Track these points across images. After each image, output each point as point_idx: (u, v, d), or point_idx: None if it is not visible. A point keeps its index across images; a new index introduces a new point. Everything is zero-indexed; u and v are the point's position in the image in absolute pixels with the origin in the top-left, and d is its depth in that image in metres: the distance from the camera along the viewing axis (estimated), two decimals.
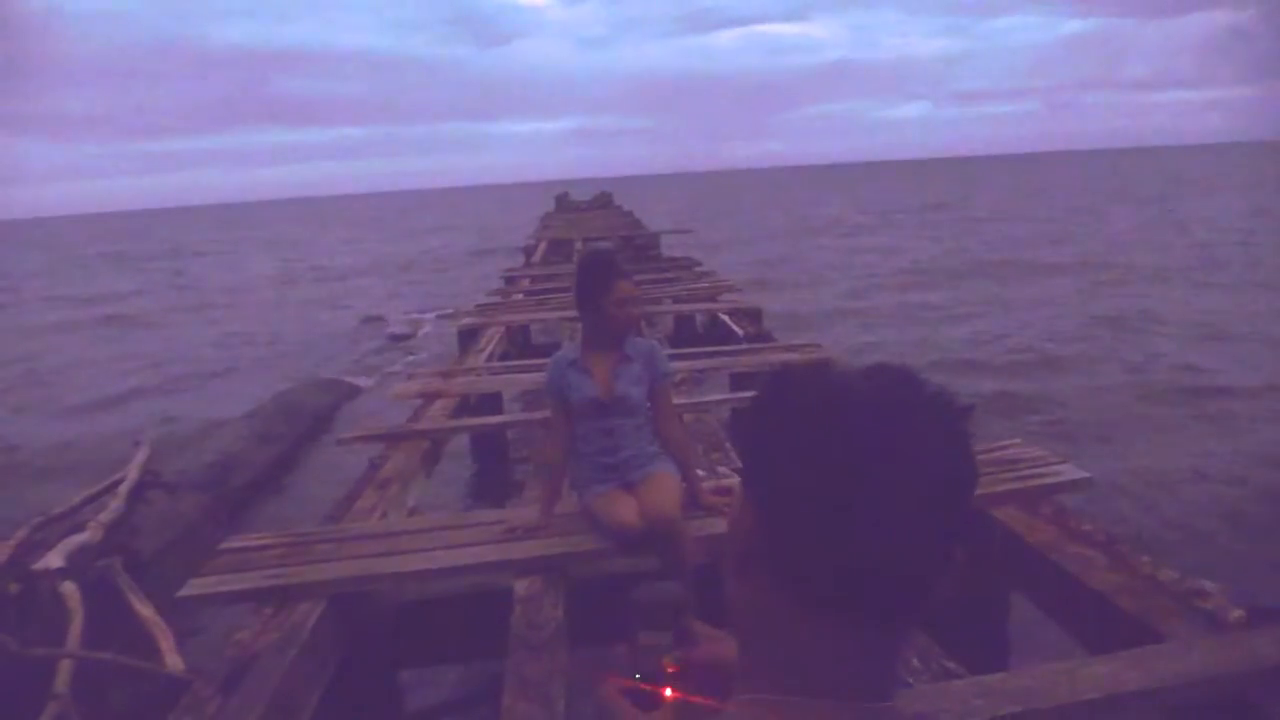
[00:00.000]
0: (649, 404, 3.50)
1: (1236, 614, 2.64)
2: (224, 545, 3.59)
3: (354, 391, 10.84)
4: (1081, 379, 9.83)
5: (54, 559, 4.70)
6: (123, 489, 5.70)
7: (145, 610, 4.56)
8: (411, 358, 13.03)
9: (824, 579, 0.65)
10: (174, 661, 4.09)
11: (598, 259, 3.48)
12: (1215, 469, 6.77)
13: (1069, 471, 3.92)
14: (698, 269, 13.11)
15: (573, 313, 9.18)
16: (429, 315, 17.22)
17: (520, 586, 3.21)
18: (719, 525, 3.49)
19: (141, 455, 6.26)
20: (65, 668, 3.83)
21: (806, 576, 0.66)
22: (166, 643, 4.25)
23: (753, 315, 9.27)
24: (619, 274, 3.38)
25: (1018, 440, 4.38)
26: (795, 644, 0.67)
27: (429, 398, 6.12)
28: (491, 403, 6.71)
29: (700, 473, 3.84)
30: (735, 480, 3.99)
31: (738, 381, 6.99)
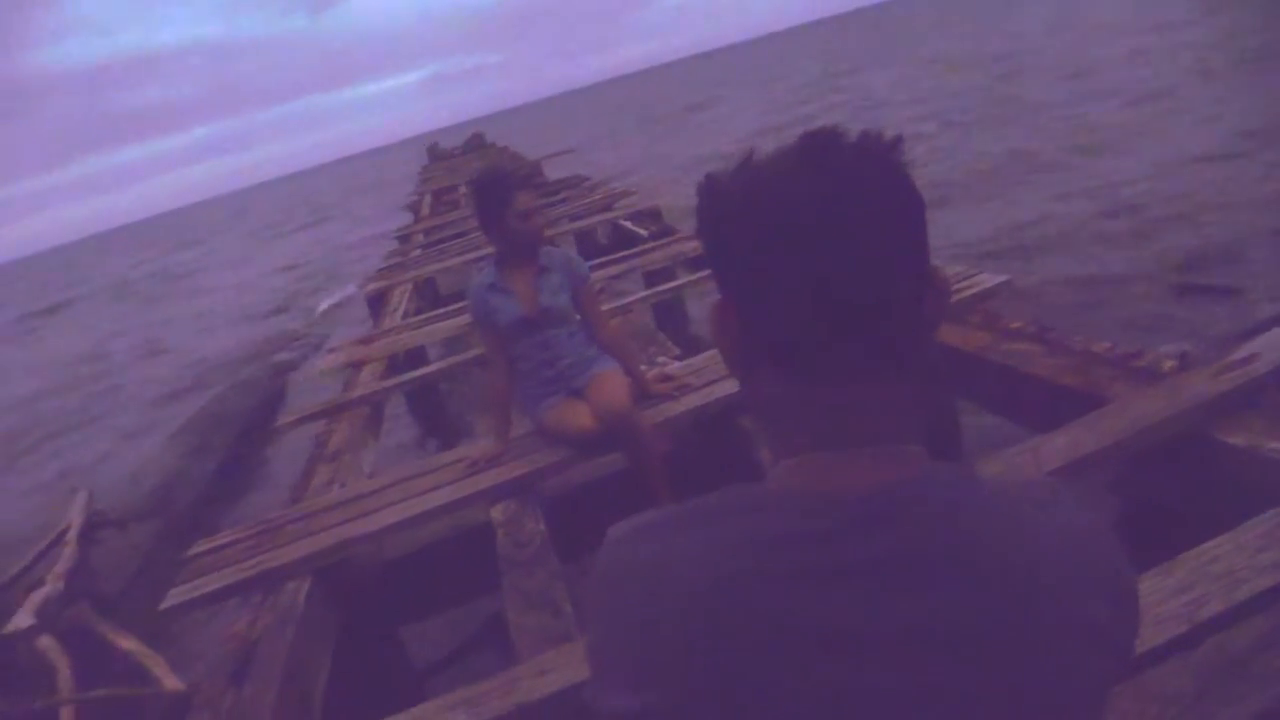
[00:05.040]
0: (576, 310, 3.51)
1: (1169, 364, 2.79)
2: (192, 552, 3.52)
3: (284, 380, 10.62)
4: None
5: (23, 619, 4.60)
6: (71, 536, 5.56)
7: (128, 643, 4.49)
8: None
9: (800, 340, 0.67)
10: (172, 682, 4.04)
11: (490, 177, 3.40)
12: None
13: (987, 279, 4.04)
14: (587, 184, 12.96)
15: (473, 255, 9.09)
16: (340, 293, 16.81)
17: (496, 512, 3.23)
18: (673, 410, 3.55)
19: (81, 499, 6.10)
20: (67, 715, 3.78)
21: (785, 343, 0.68)
22: (160, 667, 4.20)
23: (653, 214, 9.22)
24: (515, 185, 3.33)
25: (934, 263, 4.48)
26: (804, 413, 0.69)
27: (356, 365, 6.04)
28: (417, 357, 6.64)
29: (642, 366, 3.87)
30: (677, 365, 4.05)
31: (651, 279, 7.00)
